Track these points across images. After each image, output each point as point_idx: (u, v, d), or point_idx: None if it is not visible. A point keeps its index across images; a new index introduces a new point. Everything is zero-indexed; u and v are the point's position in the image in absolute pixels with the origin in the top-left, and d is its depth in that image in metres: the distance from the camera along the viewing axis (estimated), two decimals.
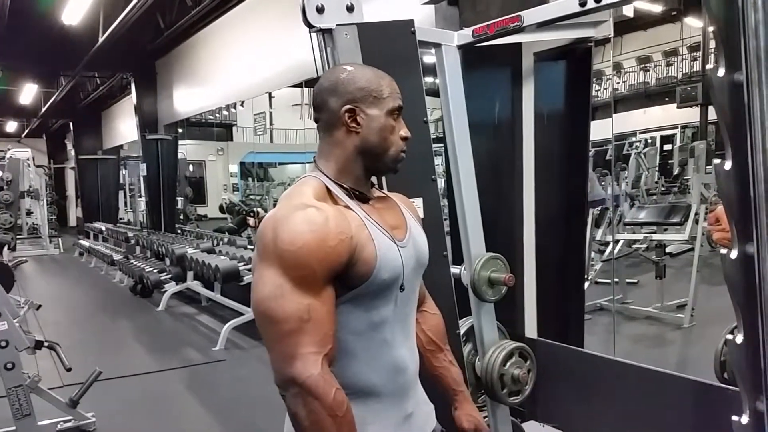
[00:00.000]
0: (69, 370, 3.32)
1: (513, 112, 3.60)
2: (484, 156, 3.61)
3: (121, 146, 15.51)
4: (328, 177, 1.31)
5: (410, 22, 2.07)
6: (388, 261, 1.26)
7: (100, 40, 7.63)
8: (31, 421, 2.86)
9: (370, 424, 1.28)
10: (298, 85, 7.20)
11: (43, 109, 14.24)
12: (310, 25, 1.91)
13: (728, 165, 1.07)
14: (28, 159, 13.32)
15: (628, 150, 8.21)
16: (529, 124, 3.61)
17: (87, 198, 16.71)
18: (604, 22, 2.98)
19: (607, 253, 6.02)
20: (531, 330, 3.73)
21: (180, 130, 10.83)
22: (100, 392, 3.91)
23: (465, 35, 2.24)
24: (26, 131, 18.78)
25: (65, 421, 3.55)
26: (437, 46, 2.24)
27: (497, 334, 2.47)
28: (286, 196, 1.29)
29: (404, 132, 1.37)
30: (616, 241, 5.85)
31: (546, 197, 3.67)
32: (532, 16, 1.98)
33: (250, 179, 15.04)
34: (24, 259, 8.54)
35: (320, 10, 1.90)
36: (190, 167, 15.82)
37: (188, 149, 14.50)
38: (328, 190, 1.29)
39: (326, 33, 1.93)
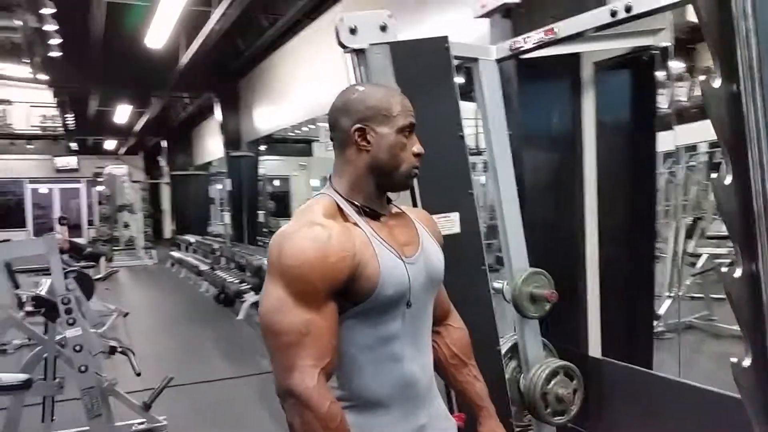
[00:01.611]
0: (138, 374, 3.52)
1: (573, 123, 3.52)
2: (544, 168, 3.57)
3: (210, 162, 16.28)
4: (339, 194, 1.36)
5: (444, 39, 2.09)
6: (393, 278, 1.29)
7: (182, 62, 8.09)
8: (102, 421, 3.06)
9: None
10: None
11: (137, 128, 15.19)
12: (344, 46, 1.97)
13: (728, 180, 1.02)
14: (124, 175, 14.24)
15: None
16: (591, 135, 3.53)
17: (179, 211, 17.66)
18: (662, 29, 2.88)
19: (697, 266, 5.72)
20: (595, 348, 3.61)
21: (262, 147, 11.25)
22: (175, 396, 4.13)
23: (503, 49, 2.24)
24: (124, 149, 20.05)
25: (139, 423, 3.75)
26: (474, 60, 2.25)
27: (542, 351, 2.42)
28: (297, 213, 1.35)
29: (417, 148, 1.38)
30: (697, 255, 5.56)
31: (611, 210, 3.57)
32: (566, 27, 1.95)
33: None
34: (116, 269, 9.13)
35: (353, 31, 1.96)
36: (276, 182, 16.40)
37: (273, 165, 15.05)
38: (339, 208, 1.34)
39: (359, 53, 1.99)
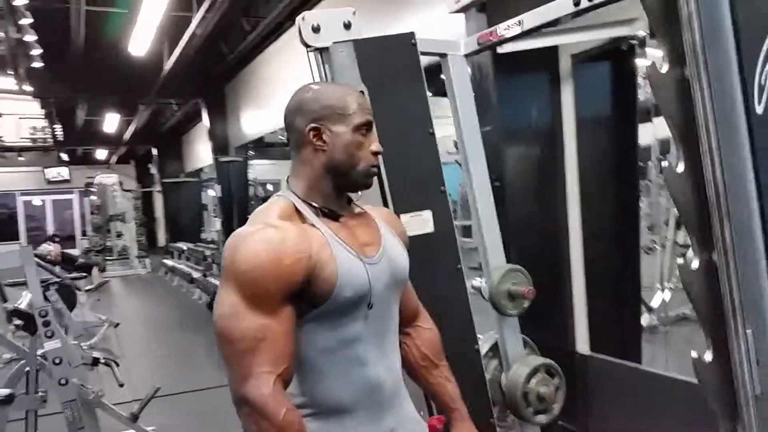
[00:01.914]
0: (121, 385, 3.48)
1: (553, 118, 3.50)
2: (525, 163, 3.53)
3: (201, 169, 16.22)
4: (297, 195, 1.33)
5: (410, 35, 2.06)
6: (352, 279, 1.26)
7: (165, 68, 8.05)
8: None
9: None
10: None
11: (127, 137, 15.13)
12: (307, 45, 1.93)
13: (680, 168, 0.99)
14: (114, 184, 14.18)
15: None
16: (571, 129, 3.50)
17: (172, 219, 17.59)
18: (636, 19, 2.85)
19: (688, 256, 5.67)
20: (583, 345, 3.59)
21: (251, 152, 11.20)
22: (166, 406, 4.08)
23: (470, 43, 2.21)
24: (115, 158, 19.98)
25: None
26: (443, 56, 2.21)
27: (523, 349, 2.38)
28: (252, 216, 1.33)
29: (375, 146, 1.36)
30: (687, 246, 5.52)
31: (594, 205, 3.54)
32: (530, 19, 1.92)
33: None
34: (107, 279, 9.08)
35: (316, 29, 1.93)
36: (269, 186, 16.36)
37: (264, 169, 14.99)
38: (297, 209, 1.31)
39: (323, 51, 1.95)
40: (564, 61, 3.41)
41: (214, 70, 9.37)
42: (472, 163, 2.29)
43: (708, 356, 1.04)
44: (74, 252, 13.68)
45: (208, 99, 10.31)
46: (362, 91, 1.89)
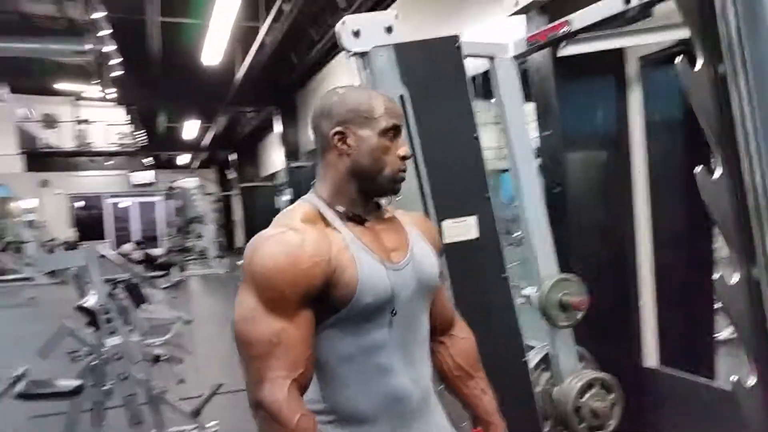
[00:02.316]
0: (181, 382, 3.59)
1: (618, 122, 3.35)
2: (587, 169, 3.40)
3: (274, 174, 16.66)
4: (322, 199, 1.31)
5: (455, 38, 2.01)
6: (372, 284, 1.22)
7: (237, 77, 8.29)
8: (145, 428, 3.13)
9: None
10: None
11: (206, 142, 15.72)
12: (347, 50, 1.92)
13: (717, 174, 0.90)
14: (194, 188, 14.74)
15: None
16: (639, 134, 3.34)
17: (249, 221, 18.13)
18: None
19: None
20: (651, 358, 3.41)
21: None
22: (230, 402, 4.17)
23: (520, 45, 2.13)
24: (197, 163, 20.84)
25: (191, 430, 3.81)
26: (491, 58, 2.15)
27: (576, 362, 2.28)
28: (275, 219, 1.31)
29: (403, 151, 1.32)
30: None
31: (665, 213, 3.36)
32: (579, 20, 1.83)
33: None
34: (182, 278, 9.43)
35: (356, 33, 1.91)
36: None
37: None
38: (320, 213, 1.29)
39: (363, 56, 1.93)
40: (631, 64, 3.26)
41: (285, 79, 9.59)
42: (521, 168, 2.21)
43: (751, 380, 0.93)
44: (156, 252, 14.37)
45: (281, 107, 10.55)
46: (401, 95, 1.89)
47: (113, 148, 20.98)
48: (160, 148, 18.46)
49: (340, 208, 1.30)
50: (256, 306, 1.17)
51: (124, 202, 22.35)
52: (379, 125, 1.28)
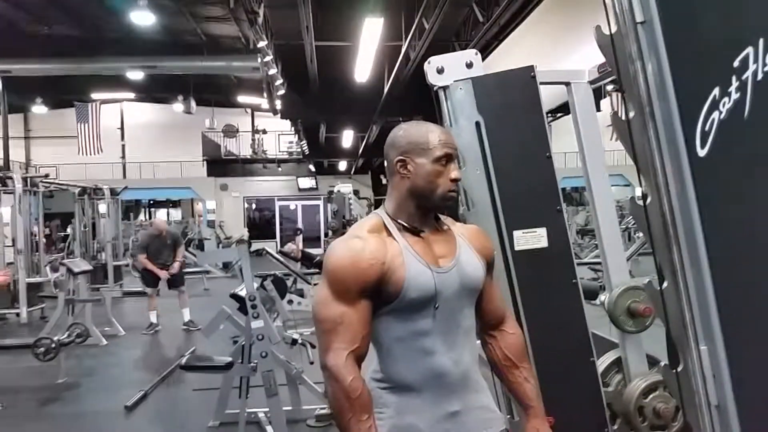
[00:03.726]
0: (312, 363, 4.10)
1: None
2: None
3: None
4: (387, 214, 1.63)
5: (530, 68, 2.25)
6: (417, 283, 1.52)
7: (385, 91, 8.86)
8: (277, 400, 3.67)
9: (408, 413, 1.56)
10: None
11: (360, 150, 16.64)
12: (432, 85, 2.25)
13: (647, 201, 1.14)
14: (349, 192, 15.63)
15: None
16: None
17: None
18: None
19: None
20: None
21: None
22: None
23: (593, 72, 2.33)
24: (354, 168, 22.02)
25: (321, 408, 4.32)
26: (567, 84, 2.36)
27: (645, 365, 2.41)
28: (351, 228, 1.68)
29: (453, 174, 1.59)
30: None
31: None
32: None
33: (565, 203, 16.19)
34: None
35: (440, 71, 2.24)
36: None
37: None
38: (385, 225, 1.61)
39: (445, 89, 2.25)
40: None
41: (427, 89, 10.01)
42: (595, 184, 2.39)
43: (680, 367, 1.15)
44: (314, 251, 15.46)
45: (424, 115, 11.03)
46: (477, 122, 2.17)
47: (283, 156, 22.85)
48: (321, 155, 19.76)
49: (401, 221, 1.60)
50: (328, 294, 1.51)
51: (292, 205, 24.23)
52: (433, 154, 1.57)
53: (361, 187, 21.80)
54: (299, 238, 14.22)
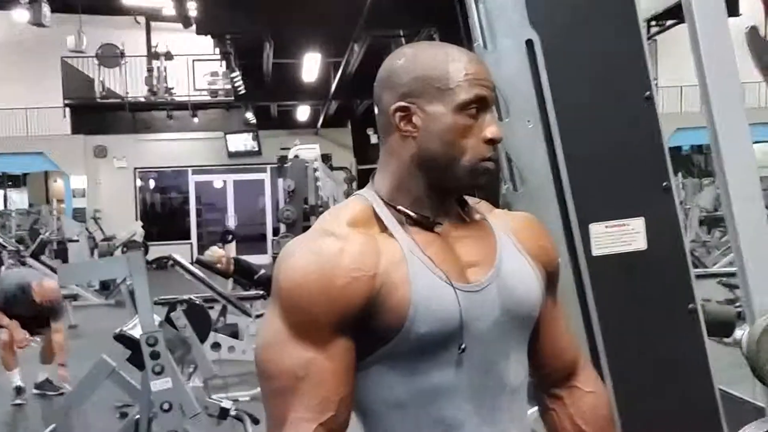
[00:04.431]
0: None
1: None
2: None
3: None
4: (379, 196, 1.61)
5: None
6: (431, 309, 1.49)
7: None
8: None
9: None
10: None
11: (333, 87, 16.56)
12: None
13: None
14: (316, 159, 15.47)
15: None
16: None
17: None
18: None
19: None
20: None
21: None
22: None
23: None
24: (323, 119, 21.76)
25: None
26: None
27: None
28: (318, 219, 1.66)
29: (490, 132, 1.56)
30: None
31: None
32: None
33: (679, 175, 16.38)
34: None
35: None
36: None
37: None
38: (376, 214, 1.58)
39: None
40: None
41: None
42: (726, 141, 2.40)
43: None
44: (257, 260, 15.36)
45: (442, 28, 10.88)
46: (528, 40, 2.17)
47: (201, 98, 22.65)
48: (267, 96, 19.56)
49: (403, 209, 1.58)
50: (281, 330, 1.47)
51: (217, 181, 24.16)
52: (456, 98, 1.52)
53: (336, 149, 21.70)
54: (231, 246, 14.21)
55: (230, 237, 13.22)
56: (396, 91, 1.56)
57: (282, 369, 1.47)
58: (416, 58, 1.58)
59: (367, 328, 1.49)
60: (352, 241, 1.50)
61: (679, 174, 17.05)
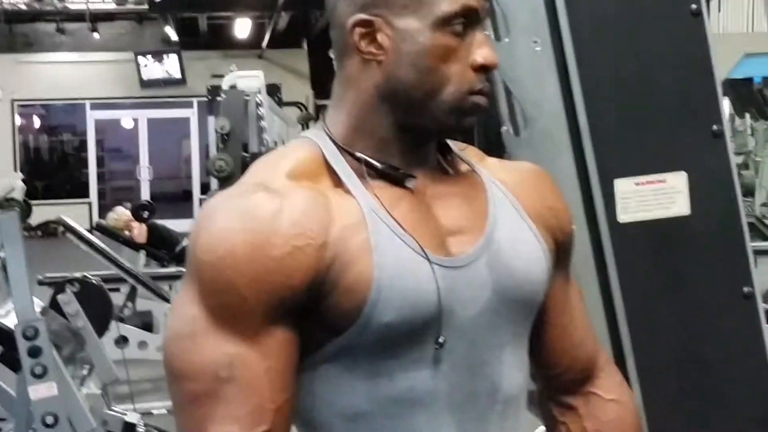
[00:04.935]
0: None
1: None
2: None
3: None
4: (332, 139, 1.62)
5: None
6: (400, 290, 1.49)
7: None
8: None
9: None
10: None
11: None
12: None
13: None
14: (259, 91, 15.46)
15: None
16: None
17: None
18: None
19: None
20: None
21: None
22: None
23: None
24: (269, 36, 21.74)
25: None
26: None
27: None
28: (250, 167, 1.66)
29: (481, 56, 1.57)
30: None
31: None
32: None
33: (747, 116, 16.16)
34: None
35: None
36: None
37: None
38: (327, 162, 1.59)
39: None
40: None
41: None
42: None
43: None
44: (181, 226, 15.40)
45: None
46: None
47: (103, 7, 22.53)
48: (192, 4, 19.55)
49: (362, 156, 1.58)
50: (199, 316, 1.46)
51: (126, 119, 24.03)
52: (436, 8, 1.52)
53: (287, 78, 21.72)
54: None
55: (146, 213, 12.67)
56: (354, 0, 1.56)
57: (199, 368, 1.45)
58: None
59: (315, 315, 1.49)
60: (293, 198, 1.48)
61: (747, 115, 16.92)
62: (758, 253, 8.39)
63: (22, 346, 3.70)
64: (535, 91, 2.32)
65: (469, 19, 1.54)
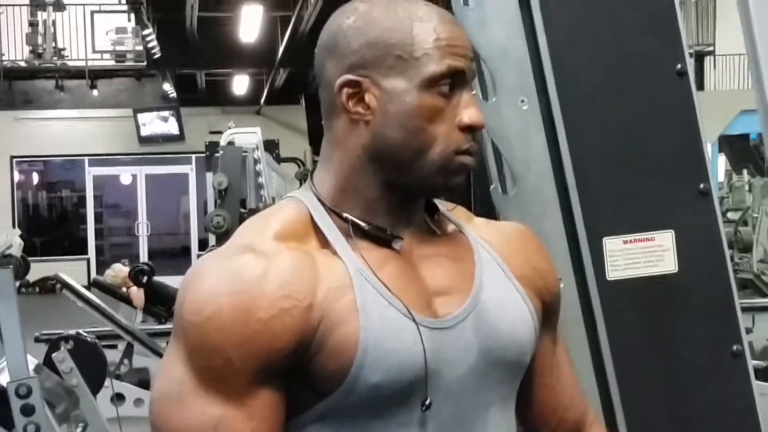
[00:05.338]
0: None
1: None
2: None
3: None
4: (320, 199, 1.60)
5: None
6: (386, 352, 1.47)
7: None
8: None
9: None
10: None
11: (282, 48, 16.54)
12: None
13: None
14: (256, 147, 15.42)
15: None
16: None
17: None
18: None
19: None
20: None
21: None
22: None
23: None
24: (267, 92, 21.70)
25: None
26: None
27: None
28: (238, 230, 1.66)
29: (468, 117, 1.55)
30: None
31: None
32: None
33: (744, 172, 16.18)
34: None
35: None
36: None
37: None
38: (314, 223, 1.58)
39: None
40: None
41: None
42: None
43: None
44: (179, 282, 15.33)
45: None
46: None
47: (102, 63, 22.53)
48: (192, 61, 19.53)
49: (350, 217, 1.57)
50: (185, 378, 1.46)
51: (125, 176, 23.95)
52: (423, 70, 1.51)
53: (285, 134, 21.55)
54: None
55: (144, 277, 12.33)
56: (343, 60, 1.56)
57: (184, 430, 1.45)
58: (371, 17, 1.56)
59: (301, 376, 1.48)
60: (280, 259, 1.48)
61: (744, 171, 16.85)
62: (756, 309, 8.42)
63: (15, 404, 3.68)
64: (522, 150, 2.32)
65: (455, 80, 1.54)
